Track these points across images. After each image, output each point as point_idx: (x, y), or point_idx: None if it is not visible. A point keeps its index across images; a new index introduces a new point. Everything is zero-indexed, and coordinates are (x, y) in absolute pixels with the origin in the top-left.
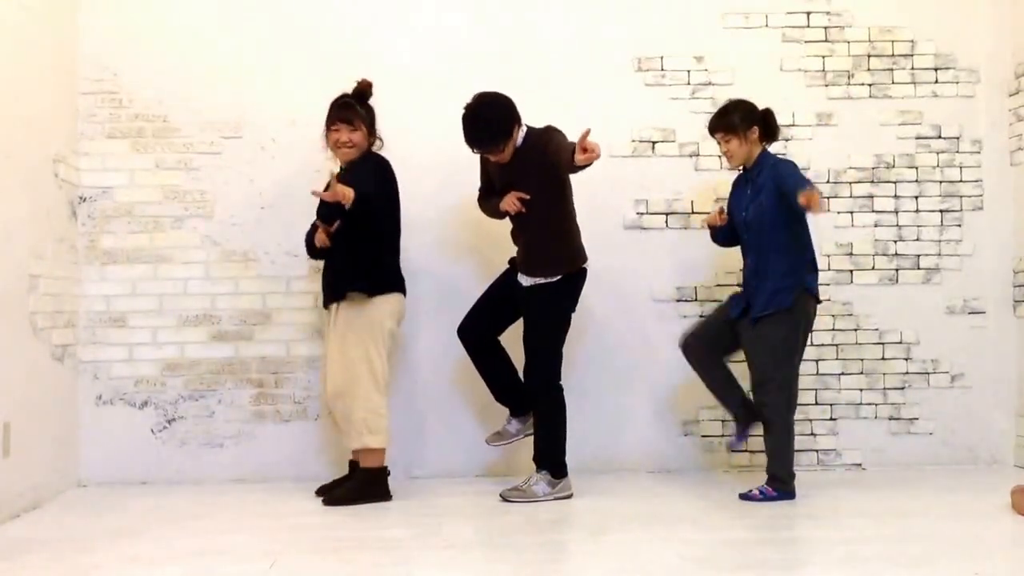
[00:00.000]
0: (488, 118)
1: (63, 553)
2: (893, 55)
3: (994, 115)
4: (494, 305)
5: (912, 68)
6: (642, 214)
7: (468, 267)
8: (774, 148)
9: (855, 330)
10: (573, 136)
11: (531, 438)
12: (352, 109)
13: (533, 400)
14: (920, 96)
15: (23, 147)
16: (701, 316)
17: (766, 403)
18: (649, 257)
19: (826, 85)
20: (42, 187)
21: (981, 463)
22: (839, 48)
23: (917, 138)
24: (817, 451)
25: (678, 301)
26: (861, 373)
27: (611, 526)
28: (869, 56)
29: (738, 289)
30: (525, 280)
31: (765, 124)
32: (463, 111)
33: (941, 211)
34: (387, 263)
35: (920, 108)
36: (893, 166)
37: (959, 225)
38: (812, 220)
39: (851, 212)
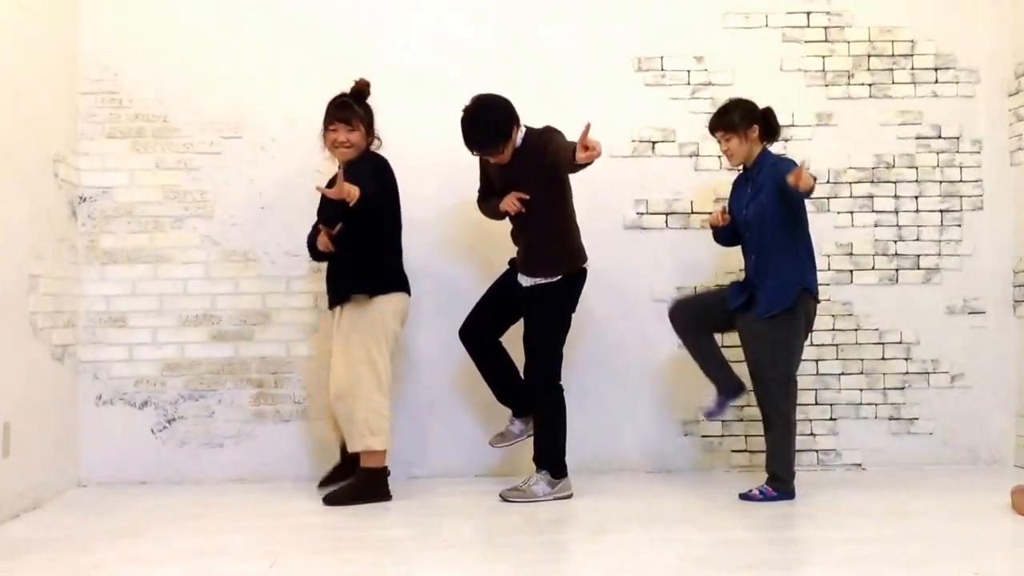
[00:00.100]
0: (486, 120)
1: (63, 553)
2: (893, 55)
3: (994, 115)
4: (494, 306)
5: (912, 68)
6: (642, 214)
7: (468, 267)
8: (774, 149)
9: (855, 330)
10: (573, 136)
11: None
12: (350, 109)
13: (533, 400)
14: (920, 96)
15: (23, 147)
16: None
17: (766, 402)
18: (649, 257)
19: (826, 85)
20: (42, 187)
21: (981, 463)
22: (839, 48)
23: (917, 138)
24: (817, 451)
25: None
26: (861, 373)
27: (611, 526)
28: (869, 56)
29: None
30: (525, 280)
31: (765, 123)
32: (461, 114)
33: (941, 211)
34: (388, 263)
35: (920, 108)
36: (893, 166)
37: (959, 225)
38: (812, 220)
39: (851, 212)
